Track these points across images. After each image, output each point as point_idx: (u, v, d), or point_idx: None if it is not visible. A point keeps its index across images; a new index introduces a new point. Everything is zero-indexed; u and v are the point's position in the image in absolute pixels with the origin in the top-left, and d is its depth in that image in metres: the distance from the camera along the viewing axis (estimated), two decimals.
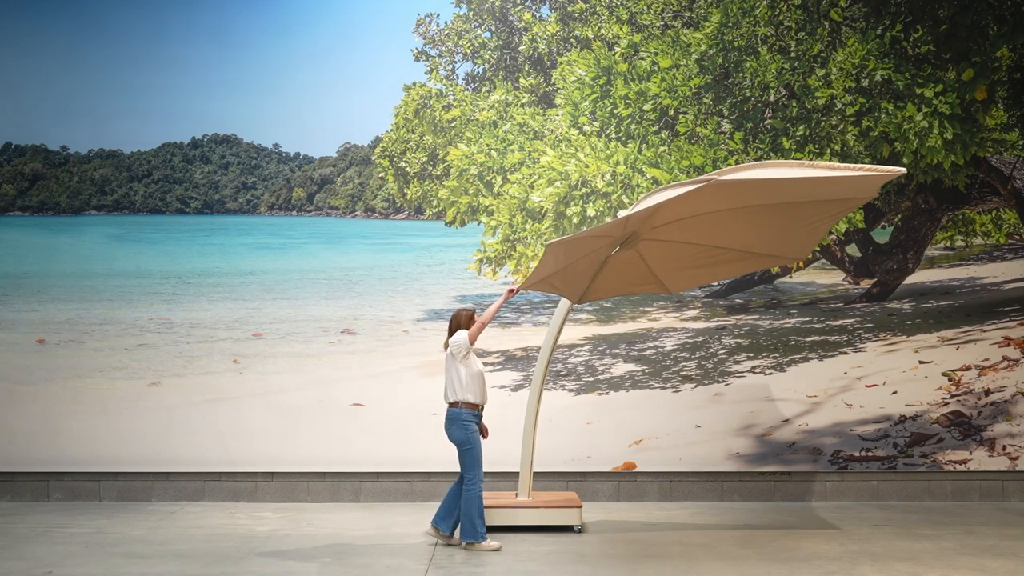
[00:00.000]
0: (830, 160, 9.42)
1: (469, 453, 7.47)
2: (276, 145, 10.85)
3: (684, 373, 9.64)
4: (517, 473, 8.36)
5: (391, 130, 10.12)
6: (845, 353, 9.64)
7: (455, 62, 10.18)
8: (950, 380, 9.58)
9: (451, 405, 7.56)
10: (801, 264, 9.79)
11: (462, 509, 7.49)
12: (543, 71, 10.07)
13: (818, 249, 9.57)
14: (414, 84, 10.05)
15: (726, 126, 9.57)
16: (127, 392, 9.57)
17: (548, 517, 8.03)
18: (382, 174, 10.30)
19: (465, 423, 7.49)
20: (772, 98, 9.54)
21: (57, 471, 9.43)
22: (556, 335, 8.07)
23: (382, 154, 10.22)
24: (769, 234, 7.46)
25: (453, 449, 7.63)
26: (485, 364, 9.62)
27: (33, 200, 10.59)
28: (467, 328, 7.57)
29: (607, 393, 9.57)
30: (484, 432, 7.68)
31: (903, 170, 6.46)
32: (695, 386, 9.60)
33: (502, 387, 9.54)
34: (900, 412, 9.52)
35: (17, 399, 9.55)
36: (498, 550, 7.38)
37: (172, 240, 10.58)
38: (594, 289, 7.72)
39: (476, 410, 7.53)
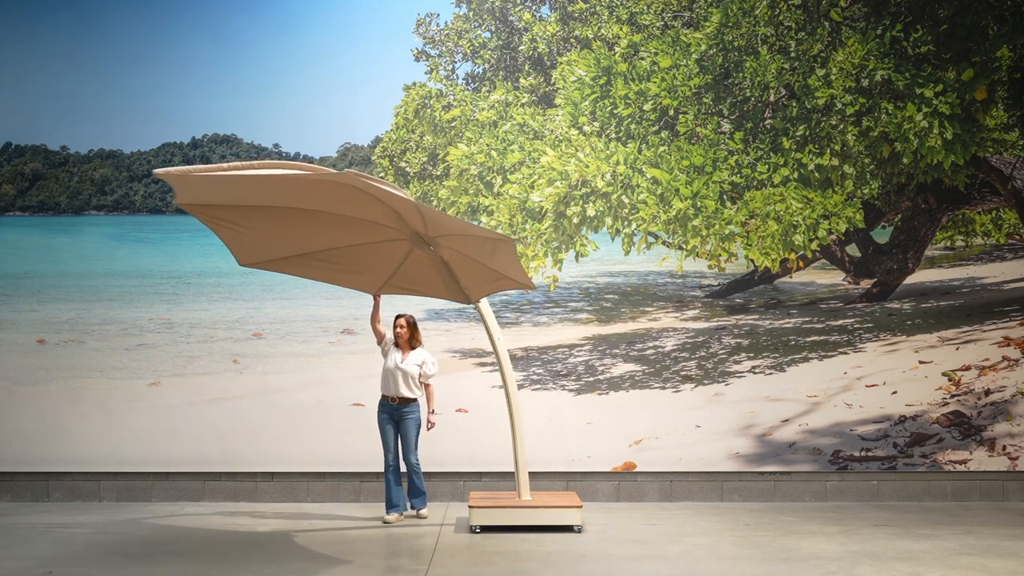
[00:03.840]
0: (829, 159, 9.43)
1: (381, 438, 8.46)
2: (276, 145, 10.84)
3: (684, 373, 9.64)
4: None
5: (391, 130, 10.12)
6: (845, 353, 9.64)
7: (455, 62, 10.18)
8: (950, 380, 9.58)
9: None
10: (801, 264, 9.79)
11: None
12: (543, 71, 10.07)
13: (818, 249, 9.56)
14: (414, 84, 10.05)
15: (726, 126, 9.56)
16: (127, 392, 9.56)
17: (548, 517, 8.03)
18: (382, 174, 10.29)
19: (377, 412, 8.46)
20: (772, 98, 9.54)
21: (57, 471, 9.43)
22: (491, 333, 8.25)
23: (382, 154, 10.22)
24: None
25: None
26: (485, 364, 9.65)
27: (33, 200, 10.58)
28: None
29: (607, 393, 9.57)
30: (428, 423, 8.44)
31: (349, 174, 6.31)
32: (695, 386, 9.59)
33: (502, 387, 9.51)
34: (900, 412, 9.52)
35: (17, 399, 9.55)
36: (385, 522, 8.39)
37: (172, 240, 10.58)
38: (468, 288, 7.95)
39: (385, 401, 8.42)
